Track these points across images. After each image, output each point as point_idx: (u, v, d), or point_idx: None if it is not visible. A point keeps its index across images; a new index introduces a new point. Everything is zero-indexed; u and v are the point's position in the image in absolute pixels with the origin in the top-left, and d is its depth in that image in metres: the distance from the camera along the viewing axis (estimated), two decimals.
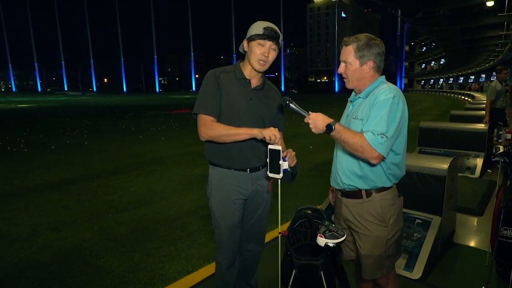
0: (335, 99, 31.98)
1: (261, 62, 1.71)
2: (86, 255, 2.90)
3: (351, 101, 1.71)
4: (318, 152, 7.26)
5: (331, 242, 1.41)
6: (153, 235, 3.30)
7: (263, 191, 1.86)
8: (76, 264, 2.77)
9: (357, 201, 1.64)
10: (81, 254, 2.93)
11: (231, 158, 1.77)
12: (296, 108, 1.53)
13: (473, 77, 54.44)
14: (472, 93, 29.90)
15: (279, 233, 1.54)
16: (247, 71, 1.79)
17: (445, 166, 2.79)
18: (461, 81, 59.90)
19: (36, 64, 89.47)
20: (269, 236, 3.13)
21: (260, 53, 1.70)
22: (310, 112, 1.53)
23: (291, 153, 1.63)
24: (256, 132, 1.62)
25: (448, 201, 2.88)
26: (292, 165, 1.62)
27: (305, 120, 1.53)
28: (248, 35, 1.74)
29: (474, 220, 3.64)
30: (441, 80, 68.91)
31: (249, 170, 1.79)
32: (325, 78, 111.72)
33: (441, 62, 64.28)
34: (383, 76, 1.65)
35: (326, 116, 1.49)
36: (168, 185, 5.03)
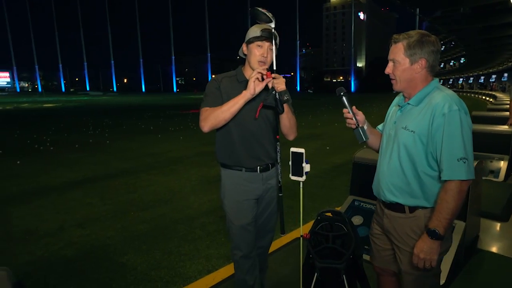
0: (351, 99, 31.57)
1: (261, 63, 1.76)
2: (110, 252, 3.00)
3: (399, 105, 1.56)
4: (335, 153, 7.21)
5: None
6: (173, 234, 3.37)
7: (273, 190, 1.92)
8: (101, 260, 2.86)
9: (399, 215, 1.52)
10: (105, 251, 3.03)
11: (239, 157, 1.82)
12: (346, 103, 1.54)
13: (495, 76, 52.61)
14: (494, 93, 28.93)
15: (301, 235, 1.56)
16: (248, 74, 1.83)
17: None
18: (482, 80, 58.00)
19: (60, 65, 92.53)
20: (289, 237, 3.15)
21: (259, 54, 1.75)
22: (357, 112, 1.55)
23: (279, 77, 1.66)
24: (246, 93, 1.65)
25: (472, 206, 2.82)
26: (278, 89, 1.64)
27: (345, 114, 1.56)
28: (247, 38, 1.80)
29: (499, 226, 3.54)
30: (461, 79, 66.99)
31: (259, 170, 1.85)
32: (341, 78, 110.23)
33: (461, 61, 62.46)
34: (437, 80, 1.48)
35: (424, 240, 1.38)
36: (187, 184, 5.11)
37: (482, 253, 2.94)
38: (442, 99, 1.37)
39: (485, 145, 5.35)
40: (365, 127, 1.59)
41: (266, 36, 1.73)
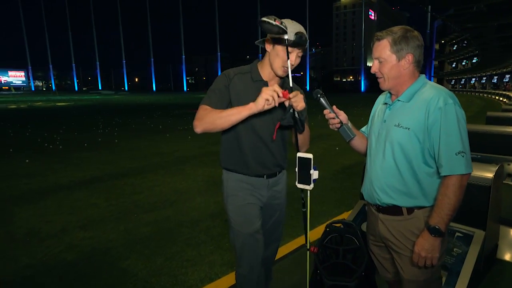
0: (361, 99, 31.23)
1: (285, 68, 1.57)
2: (111, 256, 2.92)
3: (386, 103, 1.51)
4: (345, 154, 7.04)
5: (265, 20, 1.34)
6: (176, 237, 3.27)
7: (279, 197, 1.78)
8: (101, 265, 2.78)
9: (396, 218, 1.45)
10: (106, 255, 2.95)
11: (246, 165, 1.67)
12: (325, 104, 1.48)
13: (508, 76, 51.28)
14: (508, 93, 28.13)
15: (308, 249, 1.43)
16: (266, 73, 1.64)
17: (491, 175, 2.55)
18: (495, 80, 56.62)
19: (73, 64, 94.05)
20: (296, 243, 3.02)
21: (286, 60, 1.54)
22: (339, 112, 1.48)
23: (297, 95, 1.47)
24: (253, 108, 1.43)
25: (492, 213, 2.64)
26: (298, 108, 1.48)
27: (326, 115, 1.48)
28: (275, 36, 1.55)
29: None
30: (473, 79, 65.63)
31: (266, 176, 1.71)
32: (351, 77, 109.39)
33: (473, 61, 61.15)
34: (424, 75, 1.45)
35: (425, 237, 1.34)
36: (193, 185, 5.02)
37: (503, 264, 2.77)
38: (436, 94, 1.34)
39: (502, 147, 5.11)
40: (349, 125, 1.54)
41: (300, 42, 1.50)
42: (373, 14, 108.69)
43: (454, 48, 69.79)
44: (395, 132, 1.40)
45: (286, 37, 1.47)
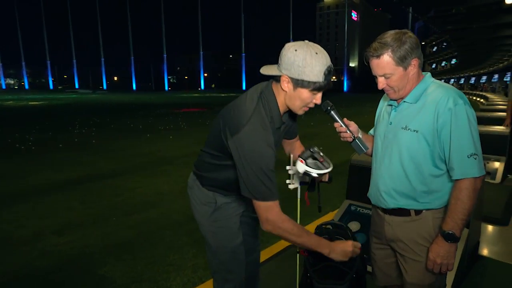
0: (343, 99, 31.64)
1: (306, 108, 1.35)
2: (88, 263, 2.77)
3: (391, 105, 1.43)
4: (329, 153, 6.97)
5: (313, 171, 1.25)
6: (158, 241, 3.16)
7: None
8: (77, 272, 2.63)
9: (403, 219, 1.39)
10: (82, 261, 2.80)
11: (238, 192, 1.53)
12: (336, 117, 1.42)
13: (485, 77, 53.49)
14: (484, 93, 29.26)
15: (297, 252, 1.37)
16: (282, 110, 1.39)
17: None
18: (472, 81, 58.94)
19: (48, 62, 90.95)
20: (284, 243, 2.96)
21: (311, 102, 1.31)
22: (348, 122, 1.44)
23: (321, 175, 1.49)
24: (329, 253, 1.34)
25: (475, 211, 2.67)
26: (326, 180, 1.52)
27: (337, 129, 1.43)
28: (298, 77, 1.23)
29: (499, 230, 3.42)
30: (452, 80, 68.12)
31: None
32: (334, 77, 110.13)
33: (452, 62, 63.41)
34: (430, 74, 1.38)
35: (440, 244, 1.30)
36: (175, 187, 4.89)
37: (484, 260, 2.80)
38: (445, 94, 1.28)
39: (481, 146, 5.27)
40: (360, 135, 1.48)
41: (330, 82, 1.28)
42: (356, 15, 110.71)
43: (434, 50, 72.13)
44: (402, 135, 1.34)
45: (314, 80, 1.22)
